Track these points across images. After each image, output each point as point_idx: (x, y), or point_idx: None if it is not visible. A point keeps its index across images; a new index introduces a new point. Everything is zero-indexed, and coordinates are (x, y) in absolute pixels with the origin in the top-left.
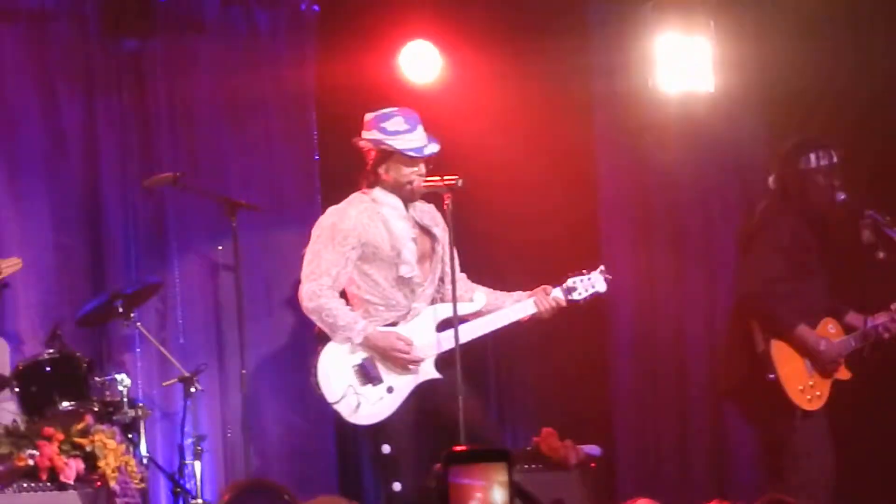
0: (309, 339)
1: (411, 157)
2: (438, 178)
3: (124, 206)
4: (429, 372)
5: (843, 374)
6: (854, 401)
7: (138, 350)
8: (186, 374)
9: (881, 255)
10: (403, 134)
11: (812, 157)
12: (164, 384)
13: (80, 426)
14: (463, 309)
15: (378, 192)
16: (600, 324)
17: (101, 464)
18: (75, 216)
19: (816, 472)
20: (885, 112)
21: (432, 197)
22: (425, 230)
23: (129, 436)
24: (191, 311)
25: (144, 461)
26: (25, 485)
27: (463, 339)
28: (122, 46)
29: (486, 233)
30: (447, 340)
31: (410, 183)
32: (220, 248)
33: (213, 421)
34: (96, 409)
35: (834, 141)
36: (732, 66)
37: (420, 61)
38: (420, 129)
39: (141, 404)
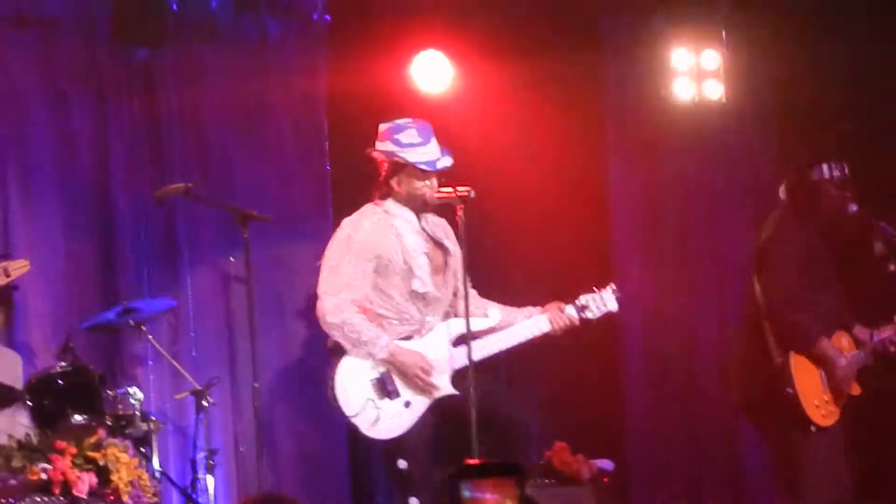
0: (321, 351)
1: (423, 170)
2: (451, 189)
3: (135, 216)
4: (445, 388)
5: (855, 388)
6: (871, 416)
7: (150, 363)
8: (199, 388)
9: (893, 267)
10: (416, 147)
11: (825, 168)
12: (177, 397)
13: (92, 440)
14: (477, 325)
15: (390, 204)
16: (612, 337)
17: (114, 477)
18: (86, 226)
19: (831, 488)
20: None
21: (444, 208)
22: (438, 244)
23: (142, 449)
24: (203, 324)
25: (157, 475)
26: (38, 499)
27: (479, 356)
28: (134, 55)
29: (496, 244)
30: (462, 356)
31: (423, 195)
32: (231, 259)
33: (225, 435)
34: (109, 422)
35: (845, 152)
36: (744, 76)
37: (431, 71)
38: (433, 141)
39: (153, 418)
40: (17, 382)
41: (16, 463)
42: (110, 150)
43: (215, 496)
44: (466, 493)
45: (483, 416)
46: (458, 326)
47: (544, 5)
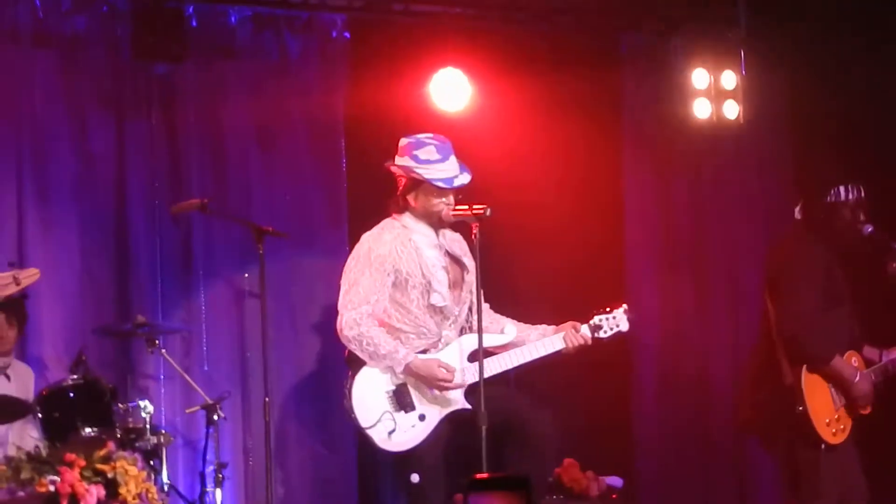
0: (334, 366)
1: (440, 188)
2: (467, 206)
3: (151, 232)
4: (459, 402)
5: (864, 408)
6: (882, 435)
7: (162, 377)
8: (210, 402)
9: None
10: (434, 164)
11: (841, 190)
12: (188, 411)
13: (102, 452)
14: (494, 341)
15: (408, 219)
16: (623, 354)
17: (123, 490)
18: (102, 241)
19: None
20: None
21: (460, 225)
22: (455, 259)
23: (151, 462)
24: (216, 338)
25: (166, 488)
26: None
27: (493, 372)
28: (154, 70)
29: (512, 261)
30: (476, 370)
31: (439, 212)
32: (246, 275)
33: (235, 448)
34: (119, 435)
35: (861, 173)
36: (761, 97)
37: (450, 89)
38: (452, 158)
39: (163, 431)
40: (29, 395)
41: (24, 475)
42: (128, 166)
43: None
44: None
45: (501, 424)
46: (472, 341)
47: (563, 24)
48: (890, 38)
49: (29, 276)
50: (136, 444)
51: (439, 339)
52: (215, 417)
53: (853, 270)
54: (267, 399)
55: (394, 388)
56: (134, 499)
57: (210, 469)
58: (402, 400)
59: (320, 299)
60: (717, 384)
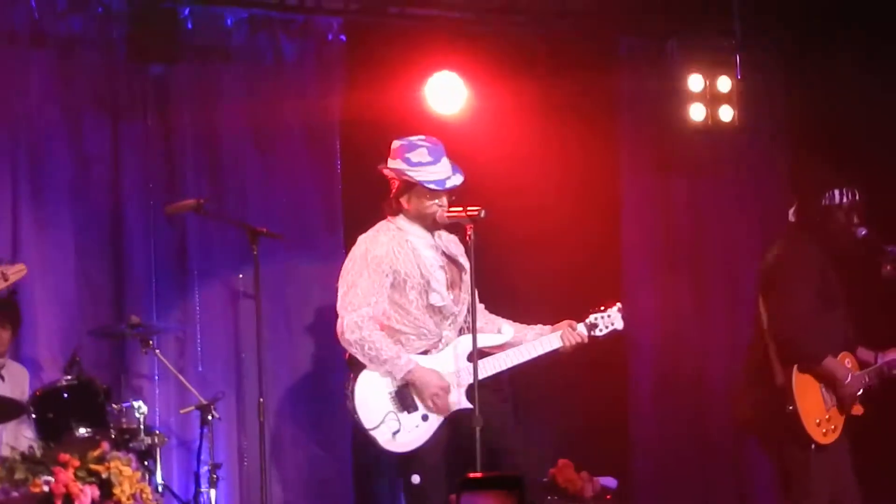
0: (329, 367)
1: (433, 189)
2: (461, 208)
3: (146, 233)
4: (460, 402)
5: (857, 409)
6: (877, 437)
7: (156, 377)
8: (204, 402)
9: None
10: (426, 166)
11: (836, 193)
12: (182, 412)
13: (96, 453)
14: (491, 341)
15: (402, 221)
16: (620, 355)
17: (117, 491)
18: (98, 242)
19: None
20: None
21: (455, 227)
22: (452, 259)
23: (146, 463)
24: (210, 339)
25: (160, 488)
26: None
27: (491, 372)
28: (149, 72)
29: (508, 262)
30: (477, 370)
31: (432, 214)
32: (240, 276)
33: (229, 449)
34: (113, 435)
35: (855, 176)
36: (756, 100)
37: (445, 92)
38: (444, 160)
39: (158, 431)
40: (24, 395)
41: (19, 475)
42: (123, 167)
43: None
44: None
45: (489, 455)
46: (469, 342)
47: (560, 27)
48: (883, 42)
49: (16, 271)
50: (131, 445)
51: (440, 340)
52: (210, 418)
53: (847, 273)
54: (261, 400)
55: (396, 388)
56: (128, 499)
57: (204, 469)
58: (404, 400)
59: (315, 300)
60: (714, 385)
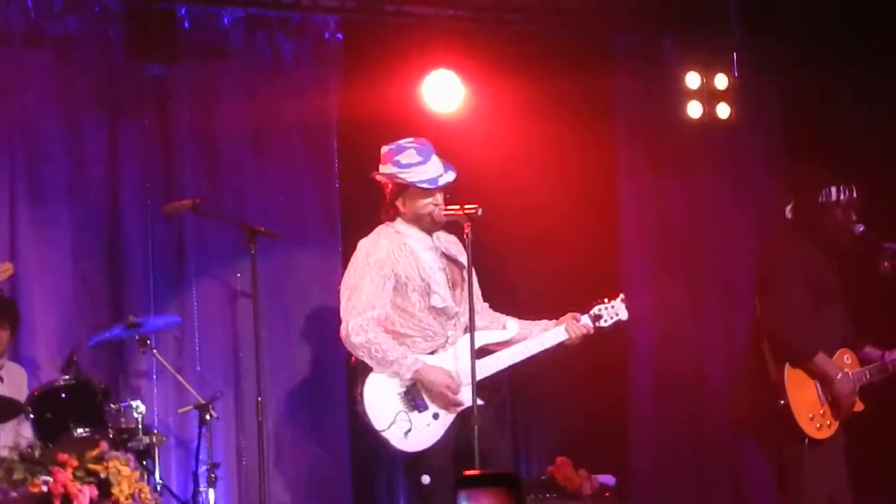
0: (328, 366)
1: (425, 188)
2: (458, 206)
3: (144, 232)
4: (470, 399)
5: (857, 405)
6: (875, 434)
7: (155, 377)
8: (202, 402)
9: None
10: (416, 166)
11: (833, 190)
12: (180, 411)
13: (94, 453)
14: (496, 337)
15: (400, 225)
16: (619, 355)
17: (115, 490)
18: (95, 242)
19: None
20: None
21: (452, 226)
22: (452, 260)
23: (144, 462)
24: (208, 338)
25: (158, 488)
26: None
27: (498, 368)
28: (146, 72)
29: (506, 261)
30: (485, 367)
31: (429, 213)
32: (238, 275)
33: (228, 448)
34: (111, 435)
35: (852, 173)
36: (753, 97)
37: (443, 90)
38: (434, 159)
39: (156, 431)
40: (23, 395)
41: (17, 475)
42: (121, 167)
43: None
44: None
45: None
46: (478, 339)
47: (556, 25)
48: (880, 39)
49: (2, 270)
50: (129, 445)
51: (446, 340)
52: (208, 417)
53: (845, 270)
54: (260, 399)
55: (405, 388)
56: (127, 499)
57: (203, 469)
58: (414, 399)
59: (313, 299)
60: (712, 384)
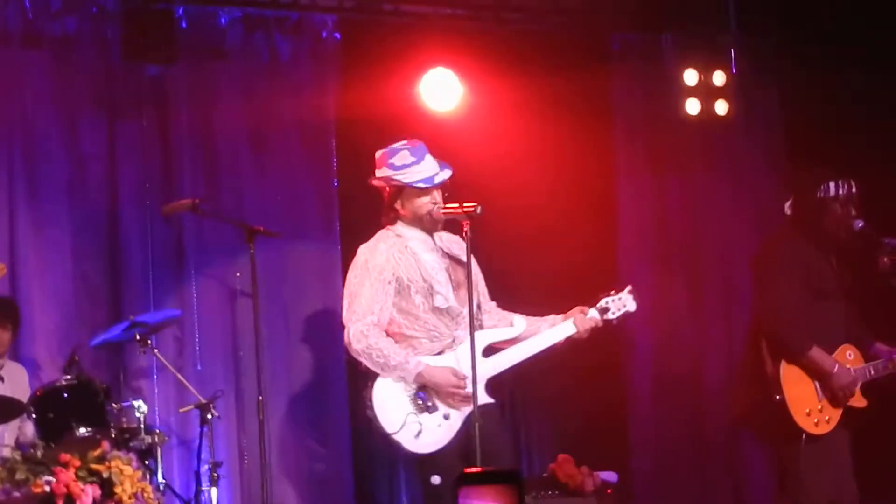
0: (328, 364)
1: (421, 187)
2: (457, 205)
3: (143, 232)
4: (481, 397)
5: (860, 401)
6: (880, 430)
7: (156, 376)
8: (203, 401)
9: None
10: (410, 167)
11: (832, 185)
12: (181, 410)
13: (96, 452)
14: (503, 335)
15: (401, 228)
16: (618, 351)
17: (118, 490)
18: (95, 241)
19: (831, 498)
20: None
21: (452, 224)
22: (456, 260)
23: (146, 462)
24: (208, 337)
25: (161, 487)
26: None
27: (507, 365)
28: (144, 72)
29: (505, 260)
30: (495, 365)
31: (428, 212)
32: (238, 274)
33: (229, 447)
34: (113, 435)
35: (851, 169)
36: (752, 94)
37: (441, 89)
38: (428, 158)
39: (158, 430)
40: (24, 393)
41: (20, 475)
42: (119, 167)
43: None
44: (465, 501)
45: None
46: (483, 338)
47: (554, 23)
48: (878, 35)
49: None
50: (131, 444)
51: (453, 340)
52: (209, 416)
53: (845, 266)
54: (260, 398)
55: (414, 390)
56: (129, 498)
57: (205, 468)
58: (424, 402)
59: (312, 298)
60: (711, 383)
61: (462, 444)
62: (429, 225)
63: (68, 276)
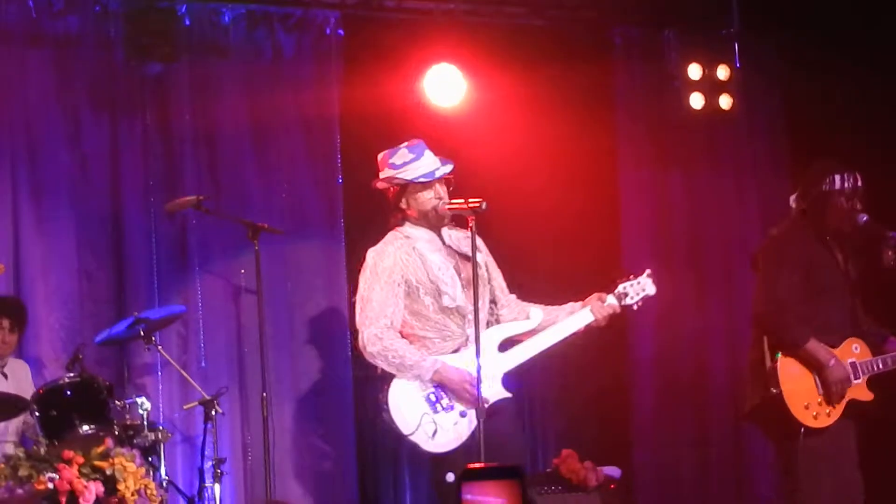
0: (332, 361)
1: (424, 182)
2: (462, 200)
3: (147, 230)
4: (498, 392)
5: (865, 394)
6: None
7: (159, 373)
8: (207, 398)
9: None
10: (410, 164)
11: (837, 178)
12: (185, 407)
13: (100, 449)
14: (520, 328)
15: (408, 228)
16: (621, 346)
17: (121, 487)
18: (98, 240)
19: (835, 491)
20: None
21: (457, 220)
22: (465, 257)
23: (150, 459)
24: (212, 334)
25: (164, 484)
26: None
27: (525, 358)
28: (147, 70)
29: (508, 255)
30: (510, 359)
31: (434, 208)
32: (242, 271)
33: (233, 444)
34: (116, 432)
35: (856, 162)
36: (755, 88)
37: (444, 85)
38: (427, 154)
39: (161, 427)
40: (28, 389)
41: (23, 472)
42: (123, 165)
43: None
44: (468, 496)
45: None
46: (499, 333)
47: (557, 18)
48: (881, 29)
49: None
50: (134, 441)
51: (466, 338)
52: (213, 413)
53: (850, 260)
54: (264, 394)
55: (431, 390)
56: (133, 495)
57: (209, 465)
58: (440, 401)
59: (316, 294)
60: (715, 377)
61: (477, 443)
62: (435, 221)
63: (72, 274)
